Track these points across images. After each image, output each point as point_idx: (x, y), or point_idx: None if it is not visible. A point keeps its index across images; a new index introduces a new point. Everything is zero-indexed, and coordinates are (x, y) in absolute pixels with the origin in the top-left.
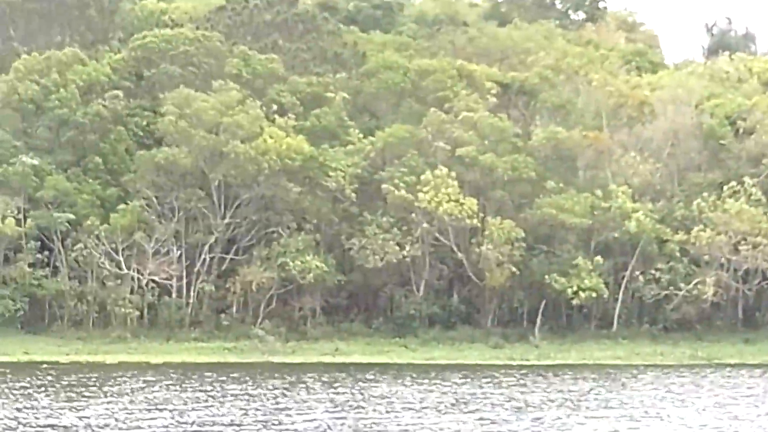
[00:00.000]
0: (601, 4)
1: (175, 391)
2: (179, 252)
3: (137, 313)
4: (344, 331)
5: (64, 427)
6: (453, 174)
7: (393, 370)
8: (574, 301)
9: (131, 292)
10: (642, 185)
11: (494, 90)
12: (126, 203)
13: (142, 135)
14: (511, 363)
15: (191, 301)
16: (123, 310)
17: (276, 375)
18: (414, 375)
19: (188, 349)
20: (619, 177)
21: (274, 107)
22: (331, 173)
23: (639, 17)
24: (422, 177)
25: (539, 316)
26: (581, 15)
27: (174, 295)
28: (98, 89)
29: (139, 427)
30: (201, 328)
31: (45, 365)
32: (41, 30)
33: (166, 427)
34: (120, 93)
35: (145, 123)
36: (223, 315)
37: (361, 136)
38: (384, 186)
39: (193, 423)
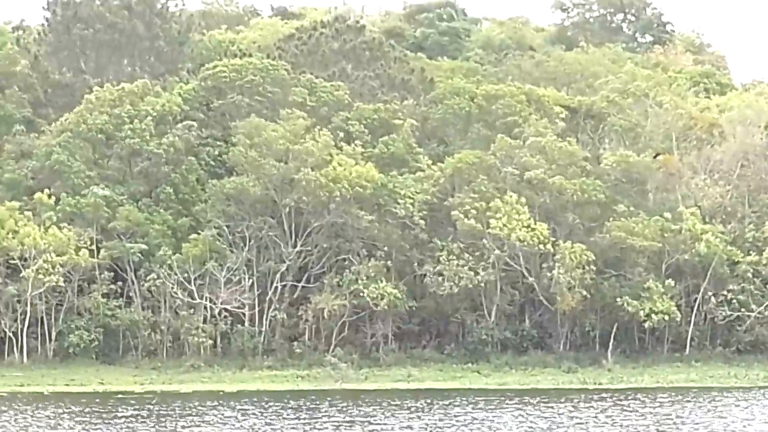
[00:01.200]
0: (668, 27)
1: (272, 418)
2: (251, 280)
3: (210, 341)
4: (416, 357)
5: None
6: (523, 199)
7: (469, 395)
8: (647, 324)
9: (204, 321)
10: (712, 207)
11: (562, 114)
12: (198, 233)
13: (214, 165)
14: (585, 387)
15: (264, 329)
16: (196, 339)
17: (359, 402)
18: (492, 400)
19: (262, 377)
20: (689, 199)
21: (341, 135)
22: (400, 200)
23: (706, 39)
24: (492, 204)
25: (611, 340)
26: (648, 38)
27: (247, 323)
28: (170, 120)
29: None
30: (274, 356)
31: (120, 395)
32: (112, 62)
33: None
34: (194, 123)
35: (216, 153)
36: (295, 343)
37: (429, 162)
38: (454, 213)
39: None
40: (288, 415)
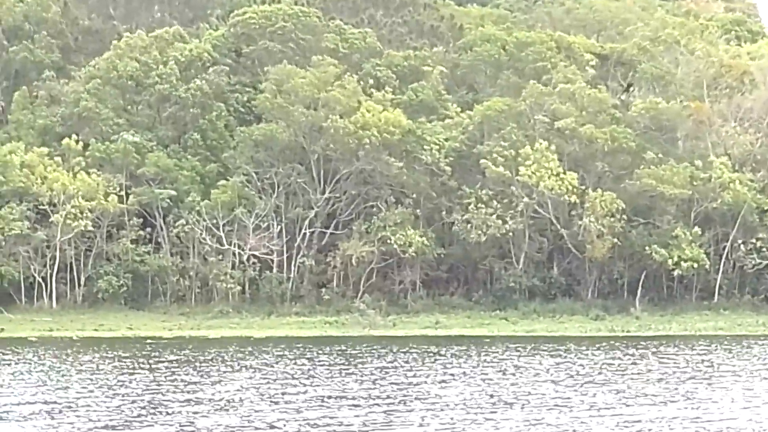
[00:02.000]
0: None
1: (302, 364)
2: (279, 227)
3: (239, 288)
4: (444, 305)
5: (209, 399)
6: (552, 147)
7: (498, 342)
8: (675, 272)
9: (232, 267)
10: (742, 155)
11: (592, 61)
12: (226, 179)
13: (242, 111)
14: (614, 335)
15: (292, 275)
16: (224, 285)
17: (392, 348)
18: (524, 346)
19: (290, 323)
20: (719, 147)
21: (371, 82)
22: (427, 147)
23: None
24: (521, 151)
25: (640, 288)
26: None
27: (275, 269)
28: (198, 66)
29: (275, 401)
30: (302, 303)
31: (149, 340)
32: (141, 8)
33: (306, 398)
34: (224, 68)
35: (245, 99)
36: (323, 289)
37: (458, 109)
38: (482, 160)
39: (329, 397)
40: (327, 360)
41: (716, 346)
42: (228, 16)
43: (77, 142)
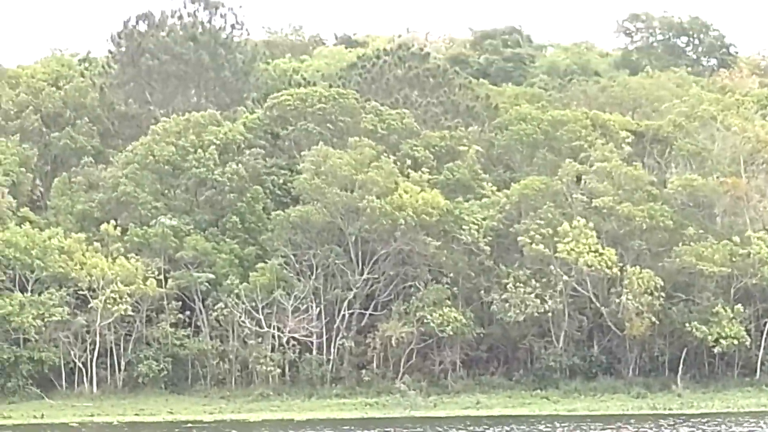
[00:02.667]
0: (731, 49)
1: None
2: (318, 309)
3: (279, 370)
4: (485, 384)
5: None
6: (590, 224)
7: (540, 421)
8: (716, 349)
9: (272, 350)
10: None
11: (628, 139)
12: (264, 261)
13: (279, 193)
14: (655, 412)
15: (332, 357)
16: (264, 367)
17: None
18: (565, 426)
19: (330, 405)
20: (757, 223)
21: (408, 162)
22: (465, 226)
23: None
24: (559, 229)
25: (681, 365)
26: (713, 61)
27: (315, 351)
28: (234, 149)
29: None
30: (342, 384)
31: (189, 424)
32: (178, 92)
33: None
34: (260, 151)
35: (281, 181)
36: (363, 370)
37: (495, 188)
38: (520, 239)
39: None
40: None
41: (760, 423)
42: (264, 99)
43: (116, 227)
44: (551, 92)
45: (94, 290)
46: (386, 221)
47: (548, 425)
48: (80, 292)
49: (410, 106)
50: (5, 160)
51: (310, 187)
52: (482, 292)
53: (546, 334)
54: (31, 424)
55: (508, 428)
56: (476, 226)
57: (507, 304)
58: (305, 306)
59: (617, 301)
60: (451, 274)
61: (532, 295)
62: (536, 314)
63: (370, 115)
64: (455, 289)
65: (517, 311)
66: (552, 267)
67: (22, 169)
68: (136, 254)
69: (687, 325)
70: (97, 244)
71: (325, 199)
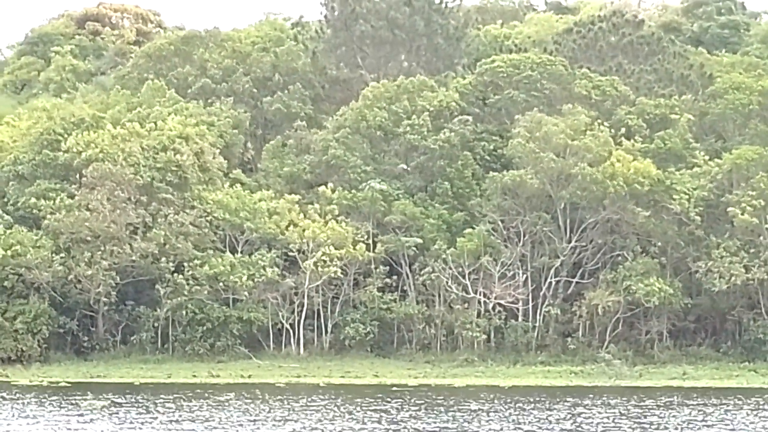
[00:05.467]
0: None
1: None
2: (525, 276)
3: (484, 336)
4: (692, 355)
5: None
6: None
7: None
8: None
9: (478, 316)
10: None
11: None
12: (472, 227)
13: (488, 159)
14: None
15: (537, 324)
16: (470, 333)
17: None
18: None
19: (535, 372)
20: None
21: (622, 130)
22: (676, 196)
23: None
24: None
25: None
26: None
27: (520, 318)
28: (446, 115)
29: None
30: (547, 352)
31: (395, 388)
32: (389, 58)
33: None
34: (469, 118)
35: (491, 147)
36: (569, 338)
37: (706, 158)
38: (731, 209)
39: None
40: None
41: None
42: (475, 65)
43: (331, 190)
44: (766, 61)
45: (303, 252)
46: (596, 189)
47: (757, 398)
48: (290, 254)
49: (623, 74)
50: (218, 121)
51: (525, 152)
52: (690, 261)
53: (755, 306)
54: (239, 383)
55: (716, 401)
56: (687, 196)
57: (713, 274)
58: (512, 273)
59: None
60: (660, 244)
61: (738, 265)
62: (741, 283)
63: (583, 81)
64: (663, 258)
65: (722, 280)
66: (762, 238)
67: (235, 131)
68: (345, 217)
69: None
70: (308, 206)
71: (539, 165)
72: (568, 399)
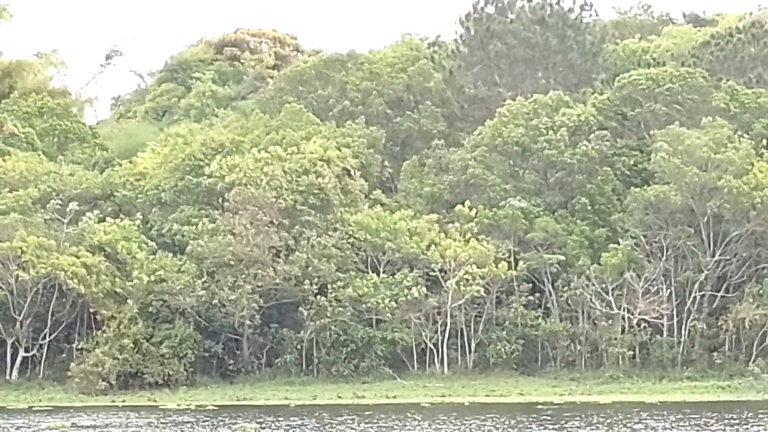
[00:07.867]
0: None
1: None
2: (669, 290)
3: (629, 352)
4: None
5: None
6: None
7: None
8: None
9: (622, 332)
10: None
11: None
12: (614, 243)
13: (629, 174)
14: None
15: (683, 339)
16: (615, 349)
17: None
18: None
19: (681, 388)
20: None
21: (764, 142)
22: None
23: None
24: None
25: None
26: None
27: (665, 333)
28: (585, 130)
29: None
30: (693, 367)
31: (540, 406)
32: (525, 76)
33: None
34: (607, 133)
35: (631, 162)
36: (715, 353)
37: None
38: None
39: None
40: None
41: None
42: (613, 80)
43: (470, 209)
44: None
45: (445, 272)
46: (742, 200)
47: None
48: (431, 274)
49: (764, 85)
50: (353, 142)
51: (668, 166)
52: None
53: None
54: (384, 404)
55: None
56: None
57: None
58: (655, 288)
59: None
60: None
61: None
62: None
63: (721, 93)
64: None
65: None
66: None
67: (371, 151)
68: (486, 236)
69: None
70: (449, 226)
71: (682, 179)
72: (727, 415)
